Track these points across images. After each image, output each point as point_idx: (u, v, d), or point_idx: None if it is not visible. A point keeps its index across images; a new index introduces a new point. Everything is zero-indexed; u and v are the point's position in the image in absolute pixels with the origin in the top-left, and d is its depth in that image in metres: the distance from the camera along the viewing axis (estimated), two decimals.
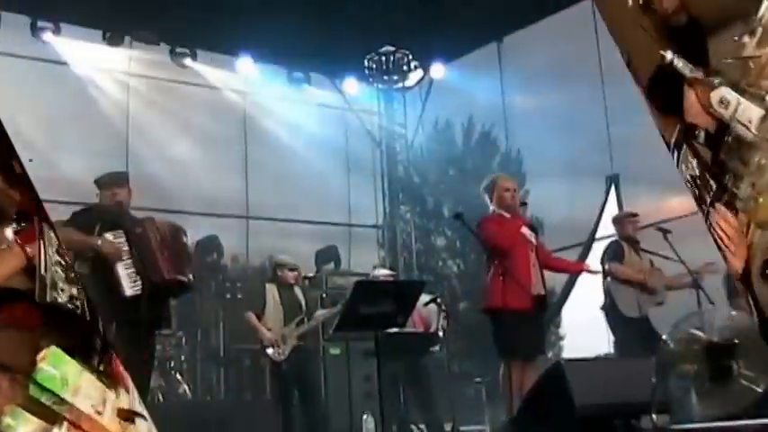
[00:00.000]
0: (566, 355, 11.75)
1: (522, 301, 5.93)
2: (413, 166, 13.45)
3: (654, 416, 5.10)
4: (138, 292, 5.26)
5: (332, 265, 11.16)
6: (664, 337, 6.85)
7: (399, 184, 13.27)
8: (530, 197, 6.70)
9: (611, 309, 7.44)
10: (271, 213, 11.95)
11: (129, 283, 5.28)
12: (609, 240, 8.11)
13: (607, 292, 7.47)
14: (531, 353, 6.14)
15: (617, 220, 7.78)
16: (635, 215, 7.77)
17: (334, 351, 9.34)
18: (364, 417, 6.93)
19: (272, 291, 7.88)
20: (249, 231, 11.80)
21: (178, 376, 9.08)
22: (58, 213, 9.79)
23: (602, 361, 5.67)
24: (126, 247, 5.36)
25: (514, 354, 6.01)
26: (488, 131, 19.55)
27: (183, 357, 9.70)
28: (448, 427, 8.14)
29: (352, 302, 5.62)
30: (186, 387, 9.13)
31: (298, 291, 8.03)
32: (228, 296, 10.70)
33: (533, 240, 6.29)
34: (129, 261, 5.33)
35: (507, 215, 6.24)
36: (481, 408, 9.71)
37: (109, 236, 5.36)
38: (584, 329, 10.57)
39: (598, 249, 10.63)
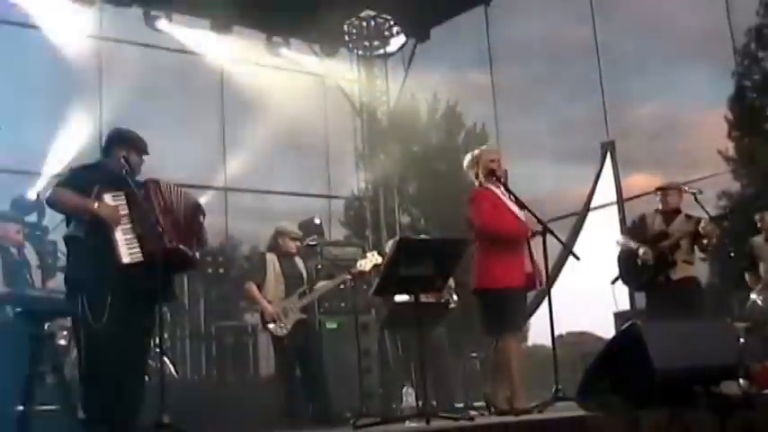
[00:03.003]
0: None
1: (516, 278, 5.64)
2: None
3: (741, 381, 4.82)
4: (138, 260, 4.72)
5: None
6: (752, 296, 6.58)
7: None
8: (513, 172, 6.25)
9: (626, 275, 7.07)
10: (248, 185, 11.48)
11: (127, 250, 4.73)
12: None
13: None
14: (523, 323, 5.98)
15: (663, 192, 7.26)
16: (680, 186, 7.28)
17: (331, 325, 8.93)
18: (404, 389, 6.51)
19: (272, 261, 7.37)
20: (228, 204, 11.31)
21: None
22: (27, 181, 9.33)
23: (680, 323, 5.33)
24: (126, 211, 4.82)
25: (510, 327, 5.71)
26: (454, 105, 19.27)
27: (166, 335, 9.20)
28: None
29: (394, 262, 5.13)
30: (172, 367, 8.61)
31: (298, 261, 7.52)
32: (210, 270, 10.20)
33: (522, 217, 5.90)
34: (129, 226, 4.79)
35: (497, 190, 5.83)
36: (478, 383, 9.42)
37: (108, 198, 4.79)
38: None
39: (594, 218, 10.48)
